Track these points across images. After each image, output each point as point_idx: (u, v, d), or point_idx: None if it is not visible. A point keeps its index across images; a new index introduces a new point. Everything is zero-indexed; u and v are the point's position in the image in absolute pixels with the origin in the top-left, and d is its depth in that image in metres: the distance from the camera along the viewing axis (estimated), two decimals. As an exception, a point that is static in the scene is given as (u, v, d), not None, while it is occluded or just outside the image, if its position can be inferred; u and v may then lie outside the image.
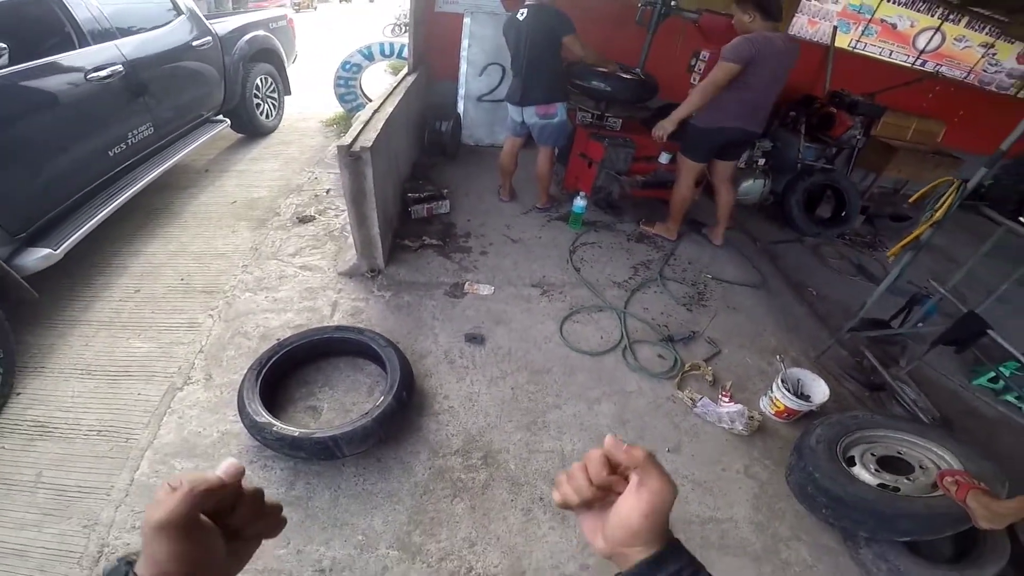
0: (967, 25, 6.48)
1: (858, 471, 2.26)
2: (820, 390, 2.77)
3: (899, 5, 6.28)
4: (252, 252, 3.59)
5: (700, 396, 2.80)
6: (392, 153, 3.72)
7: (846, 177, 5.29)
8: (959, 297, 3.07)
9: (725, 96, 3.49)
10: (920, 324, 3.19)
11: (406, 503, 2.15)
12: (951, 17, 6.37)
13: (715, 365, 3.09)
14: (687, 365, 3.02)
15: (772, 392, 2.78)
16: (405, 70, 4.89)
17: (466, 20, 4.93)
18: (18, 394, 2.46)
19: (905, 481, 2.21)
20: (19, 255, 2.68)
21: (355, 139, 3.00)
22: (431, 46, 5.38)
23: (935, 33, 6.46)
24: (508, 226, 4.14)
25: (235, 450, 2.25)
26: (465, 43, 5.02)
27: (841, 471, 2.22)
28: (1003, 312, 4.28)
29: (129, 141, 3.54)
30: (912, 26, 6.44)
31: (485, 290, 3.40)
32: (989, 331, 2.73)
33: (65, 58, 3.08)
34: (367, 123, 3.31)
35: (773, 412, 2.79)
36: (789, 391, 2.72)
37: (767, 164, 5.13)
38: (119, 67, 3.40)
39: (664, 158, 4.34)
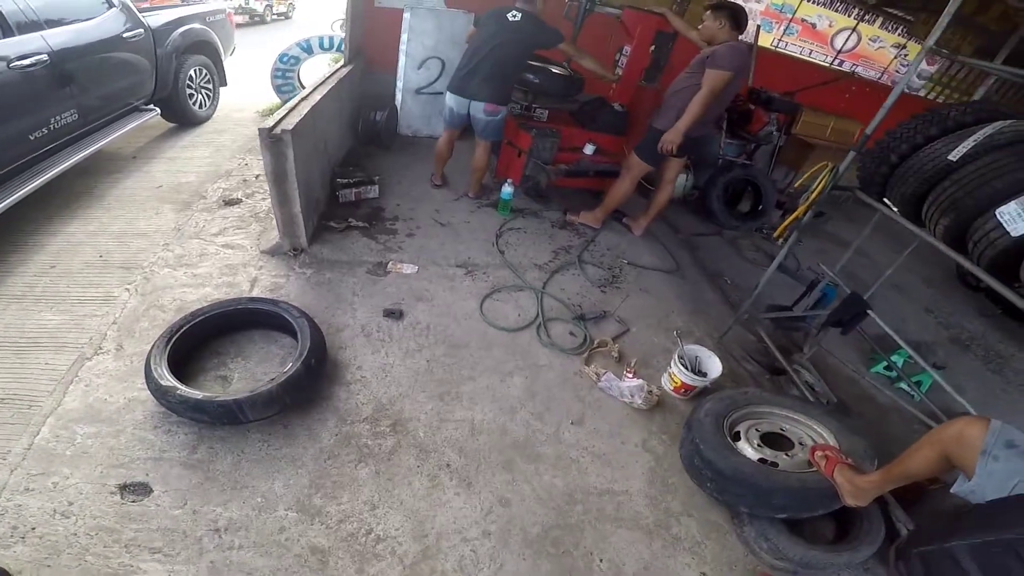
0: (881, 26, 6.89)
1: (742, 446, 2.38)
2: (715, 367, 2.93)
3: (818, 5, 6.60)
4: (175, 232, 3.57)
5: (605, 371, 2.96)
6: (319, 138, 3.77)
7: (764, 173, 5.56)
8: (851, 280, 3.31)
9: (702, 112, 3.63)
10: (821, 309, 3.37)
11: (309, 467, 2.22)
12: (866, 17, 6.75)
13: (622, 343, 3.26)
14: (595, 342, 3.19)
15: (671, 368, 2.96)
16: (341, 62, 4.93)
17: (406, 15, 5.00)
18: (-81, 362, 2.43)
19: (784, 456, 2.33)
20: None
21: (278, 123, 3.06)
22: (370, 40, 5.46)
23: (851, 33, 6.83)
24: (438, 211, 4.24)
25: (140, 416, 2.27)
26: (404, 37, 5.09)
27: (724, 444, 2.33)
28: (900, 298, 4.64)
29: (51, 126, 3.56)
30: (830, 26, 6.81)
31: (408, 269, 3.49)
32: (869, 312, 2.96)
33: None
34: (293, 108, 3.37)
35: (672, 388, 2.96)
36: (686, 367, 2.89)
37: (690, 159, 5.31)
38: (44, 56, 3.45)
39: (588, 149, 4.51)
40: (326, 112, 3.91)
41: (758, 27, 6.42)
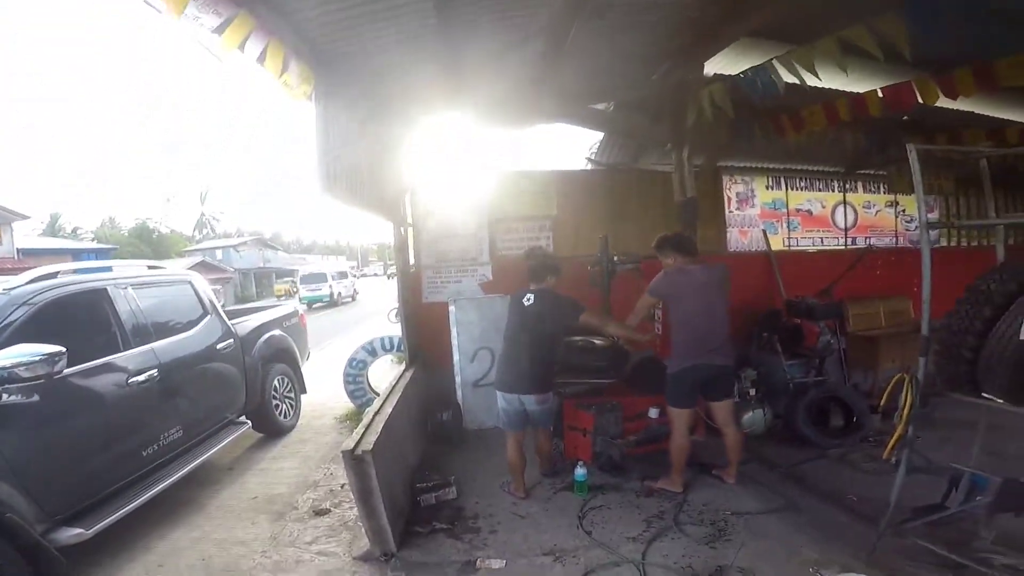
0: (866, 190, 7.12)
1: None
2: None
3: (802, 191, 6.97)
4: (271, 540, 3.73)
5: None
6: (396, 448, 3.98)
7: (842, 384, 5.30)
8: (996, 459, 3.09)
9: (677, 338, 3.89)
10: (978, 496, 2.99)
11: None
12: (848, 186, 7.03)
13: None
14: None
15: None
16: (403, 365, 5.28)
17: (451, 308, 5.43)
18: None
19: None
20: (55, 531, 2.96)
21: (357, 443, 3.33)
22: (424, 336, 5.80)
23: (844, 206, 7.04)
24: (515, 503, 4.15)
25: None
26: (454, 331, 5.45)
27: None
28: None
29: (161, 442, 3.84)
30: (823, 207, 7.06)
31: (497, 564, 3.35)
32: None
33: (110, 361, 3.53)
34: (369, 426, 3.67)
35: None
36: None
37: (759, 391, 5.19)
38: (155, 371, 3.77)
39: (653, 412, 4.52)
40: (399, 421, 4.16)
41: (764, 232, 6.65)
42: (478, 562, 3.38)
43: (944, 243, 7.46)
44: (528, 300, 3.95)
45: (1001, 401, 2.59)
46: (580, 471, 4.18)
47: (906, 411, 2.82)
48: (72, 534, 3.00)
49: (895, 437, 2.92)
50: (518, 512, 4.02)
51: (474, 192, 5.72)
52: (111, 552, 3.52)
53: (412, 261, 5.93)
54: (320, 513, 4.13)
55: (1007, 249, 3.24)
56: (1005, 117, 5.43)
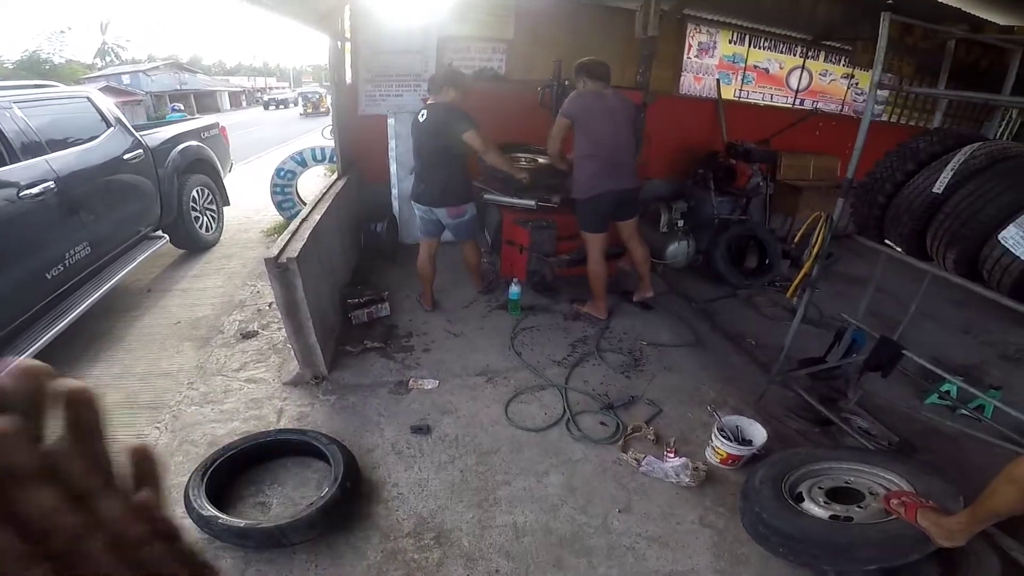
0: (826, 59, 7.27)
1: (808, 506, 2.31)
2: (759, 433, 2.86)
3: (765, 50, 7.02)
4: (197, 370, 3.61)
5: (644, 455, 2.87)
6: (325, 260, 3.88)
7: (762, 225, 5.63)
8: (879, 320, 3.32)
9: (586, 164, 3.90)
10: (855, 355, 3.37)
11: (359, 587, 2.12)
12: (810, 54, 7.13)
13: (657, 424, 3.19)
14: (629, 428, 3.12)
15: (712, 441, 2.88)
16: (335, 174, 5.10)
17: (390, 121, 5.21)
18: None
19: (857, 509, 2.26)
20: None
21: (282, 250, 3.16)
22: (360, 149, 5.62)
23: (802, 71, 7.19)
24: (450, 321, 4.27)
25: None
26: (392, 144, 5.27)
27: (786, 507, 2.26)
28: (933, 326, 4.51)
29: (66, 262, 3.50)
30: (781, 68, 7.18)
31: (429, 384, 3.48)
32: (905, 352, 2.92)
33: None
34: (295, 232, 3.49)
35: (718, 460, 2.87)
36: (728, 438, 2.82)
37: (687, 224, 5.46)
38: (51, 183, 3.39)
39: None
40: (328, 231, 4.03)
41: (718, 81, 6.75)
42: (411, 382, 3.49)
43: (886, 119, 7.66)
44: (422, 116, 3.85)
45: (899, 250, 2.75)
46: (515, 288, 4.31)
47: (816, 249, 2.96)
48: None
49: (801, 275, 3.09)
50: (452, 331, 4.14)
51: (423, 6, 5.27)
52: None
53: (349, 79, 5.55)
54: (247, 336, 4.06)
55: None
56: (988, 18, 5.32)
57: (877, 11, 2.64)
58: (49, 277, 3.37)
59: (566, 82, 4.71)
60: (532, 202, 4.39)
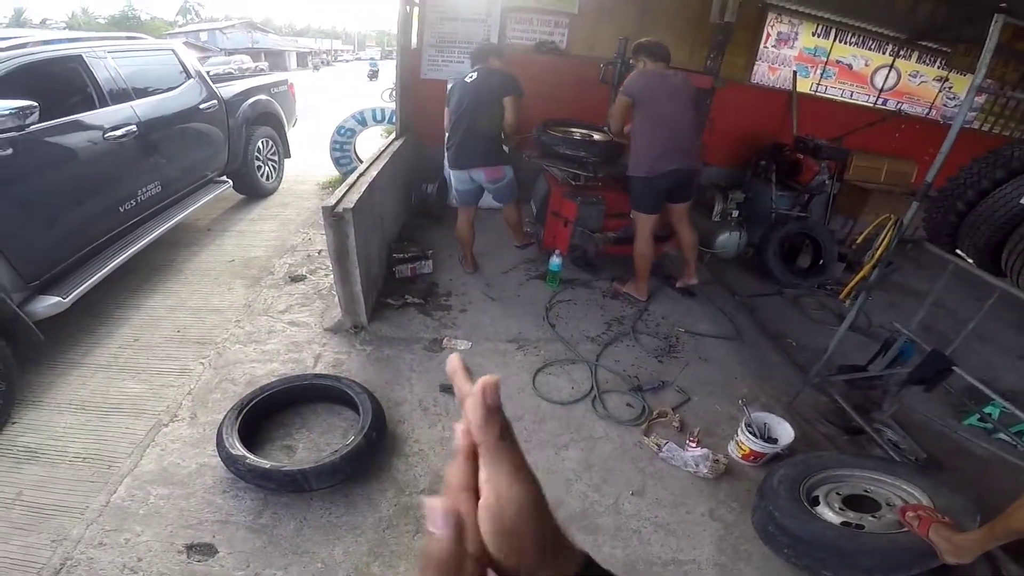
0: (919, 60, 6.76)
1: (821, 510, 2.29)
2: (786, 432, 2.82)
3: (851, 45, 6.60)
4: (245, 308, 3.80)
5: (666, 442, 2.88)
6: (377, 214, 3.96)
7: (821, 224, 5.38)
8: (930, 335, 3.16)
9: (645, 142, 3.80)
10: (899, 367, 3.25)
11: (368, 536, 2.22)
12: (901, 53, 6.66)
13: (684, 412, 3.18)
14: (655, 412, 3.12)
15: (737, 435, 2.86)
16: (393, 135, 5.18)
17: (450, 85, 5.23)
18: (14, 423, 2.66)
19: (870, 518, 2.24)
20: (31, 301, 2.90)
21: (339, 200, 3.25)
22: (419, 112, 5.67)
23: (890, 70, 6.74)
24: (488, 284, 4.32)
25: (209, 481, 2.37)
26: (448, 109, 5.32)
27: (801, 509, 2.25)
28: (987, 348, 4.32)
29: (139, 198, 3.79)
30: (867, 65, 6.73)
31: (462, 345, 3.55)
32: (955, 368, 2.78)
33: (86, 117, 3.37)
34: (352, 185, 3.58)
35: (740, 455, 2.85)
36: (754, 435, 2.79)
37: (741, 216, 5.27)
38: (133, 127, 3.67)
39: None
40: (383, 187, 4.11)
41: (794, 73, 6.44)
42: (444, 340, 3.57)
43: (977, 126, 7.14)
44: (470, 77, 3.87)
45: (971, 261, 2.62)
46: (556, 260, 4.31)
47: (880, 252, 2.83)
48: (50, 303, 2.91)
49: (858, 276, 2.97)
50: (489, 295, 4.19)
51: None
52: (87, 327, 3.47)
53: (415, 43, 5.59)
54: (295, 279, 4.23)
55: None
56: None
57: (985, 13, 2.46)
58: (122, 210, 3.66)
59: (631, 60, 4.61)
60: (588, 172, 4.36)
